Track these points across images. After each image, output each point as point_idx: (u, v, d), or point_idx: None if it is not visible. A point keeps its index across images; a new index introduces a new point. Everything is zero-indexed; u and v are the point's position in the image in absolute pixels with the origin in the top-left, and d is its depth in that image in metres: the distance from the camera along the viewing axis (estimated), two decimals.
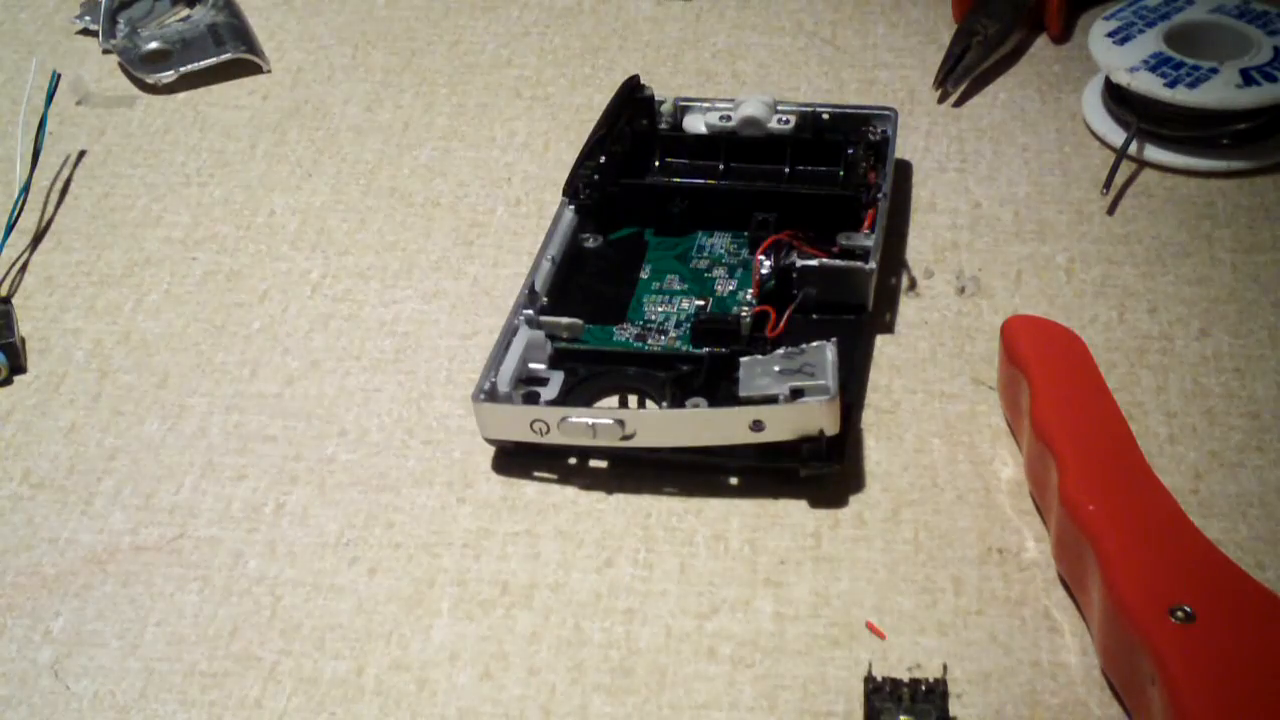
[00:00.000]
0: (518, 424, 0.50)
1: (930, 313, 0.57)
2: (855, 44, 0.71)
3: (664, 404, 0.51)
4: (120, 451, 0.53)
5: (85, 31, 0.75)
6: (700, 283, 0.57)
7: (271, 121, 0.68)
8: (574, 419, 0.49)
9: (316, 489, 0.51)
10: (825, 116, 0.61)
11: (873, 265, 0.54)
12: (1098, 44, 0.64)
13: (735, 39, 0.72)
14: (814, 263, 0.55)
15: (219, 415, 0.54)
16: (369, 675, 0.46)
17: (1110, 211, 0.61)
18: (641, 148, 0.62)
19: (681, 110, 0.63)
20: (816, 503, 0.50)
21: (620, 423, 0.49)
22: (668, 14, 0.74)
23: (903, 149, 0.64)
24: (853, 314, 0.55)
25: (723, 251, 0.58)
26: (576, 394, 0.52)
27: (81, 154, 0.67)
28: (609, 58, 0.71)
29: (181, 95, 0.70)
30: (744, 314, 0.54)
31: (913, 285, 0.58)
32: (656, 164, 0.62)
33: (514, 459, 0.52)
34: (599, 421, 0.49)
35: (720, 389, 0.51)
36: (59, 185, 0.65)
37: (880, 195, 0.58)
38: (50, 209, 0.64)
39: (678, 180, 0.61)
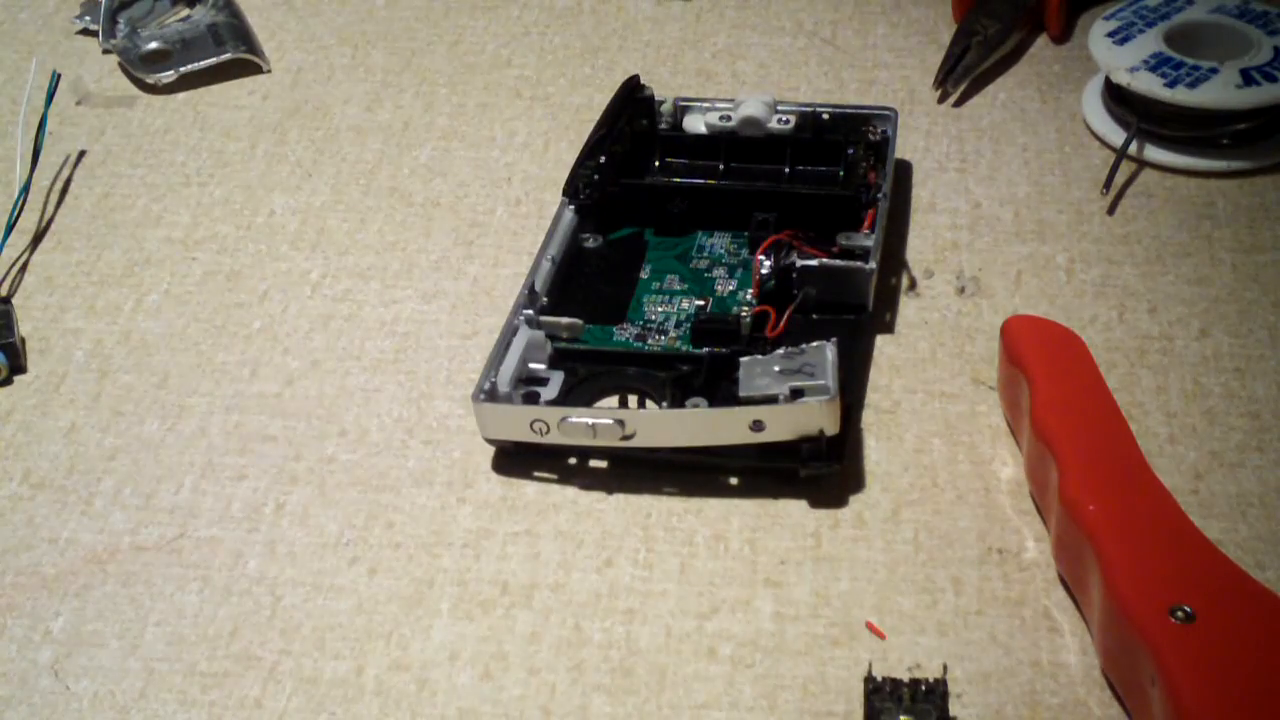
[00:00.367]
0: (518, 424, 0.50)
1: (930, 313, 0.57)
2: (855, 44, 0.71)
3: (664, 404, 0.51)
4: (120, 451, 0.53)
5: (85, 31, 0.75)
6: (700, 283, 0.57)
7: (271, 121, 0.68)
8: (574, 419, 0.49)
9: (316, 489, 0.51)
10: (825, 116, 0.61)
11: (873, 265, 0.54)
12: (1098, 44, 0.64)
13: (735, 39, 0.72)
14: (814, 263, 0.54)
15: (219, 415, 0.54)
16: (369, 675, 0.45)
17: (1110, 211, 0.61)
18: (641, 148, 0.62)
19: (681, 110, 0.63)
20: (816, 503, 0.50)
21: (620, 423, 0.49)
22: (668, 14, 0.73)
23: (903, 149, 0.63)
24: (853, 314, 0.55)
25: (723, 251, 0.58)
26: (576, 394, 0.52)
27: (81, 154, 0.67)
28: (609, 58, 0.71)
29: (181, 95, 0.70)
30: (744, 314, 0.54)
31: (913, 285, 0.58)
32: (656, 164, 0.62)
33: (514, 459, 0.52)
34: (599, 421, 0.49)
35: (720, 389, 0.51)
36: (59, 185, 0.65)
37: (880, 195, 0.58)
38: (50, 209, 0.64)
39: (678, 180, 0.61)
